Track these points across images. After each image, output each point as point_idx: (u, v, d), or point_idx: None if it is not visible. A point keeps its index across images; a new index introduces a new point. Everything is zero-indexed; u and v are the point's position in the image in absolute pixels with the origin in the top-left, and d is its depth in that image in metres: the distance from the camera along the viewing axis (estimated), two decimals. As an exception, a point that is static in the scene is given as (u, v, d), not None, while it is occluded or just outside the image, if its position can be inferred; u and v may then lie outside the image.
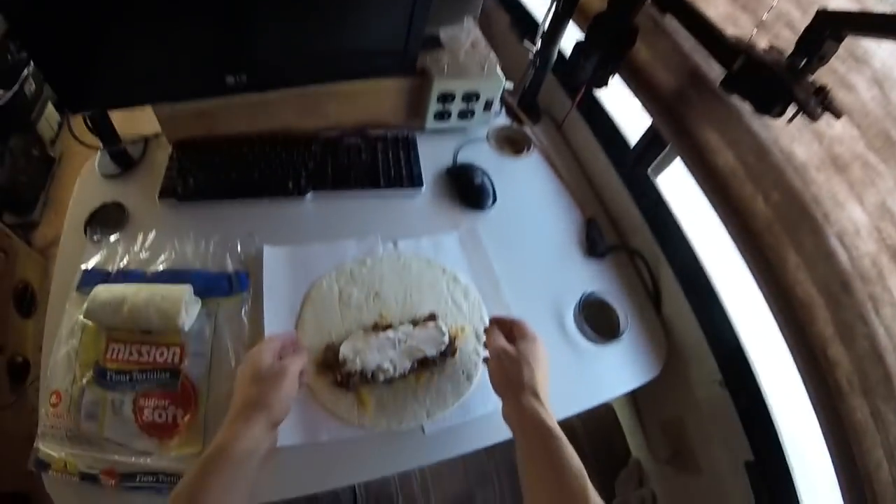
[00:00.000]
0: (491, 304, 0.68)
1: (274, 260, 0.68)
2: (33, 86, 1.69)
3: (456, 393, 0.60)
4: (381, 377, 0.58)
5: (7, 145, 1.61)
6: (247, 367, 0.51)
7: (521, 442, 0.49)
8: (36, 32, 0.55)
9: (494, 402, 0.59)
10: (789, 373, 0.55)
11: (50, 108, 1.75)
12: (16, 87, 1.60)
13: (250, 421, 0.47)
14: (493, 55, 0.82)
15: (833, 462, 0.51)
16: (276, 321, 0.64)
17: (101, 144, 0.78)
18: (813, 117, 0.52)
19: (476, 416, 0.60)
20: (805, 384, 0.53)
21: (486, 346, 0.58)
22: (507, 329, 0.58)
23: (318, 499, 0.70)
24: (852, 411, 0.49)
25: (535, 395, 0.50)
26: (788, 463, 0.59)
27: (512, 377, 0.52)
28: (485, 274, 0.71)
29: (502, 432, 0.59)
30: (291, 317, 0.65)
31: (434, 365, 0.61)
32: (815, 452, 0.54)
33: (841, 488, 0.50)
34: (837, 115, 0.51)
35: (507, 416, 0.51)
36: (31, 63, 1.65)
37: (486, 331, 0.59)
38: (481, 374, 0.62)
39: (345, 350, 0.59)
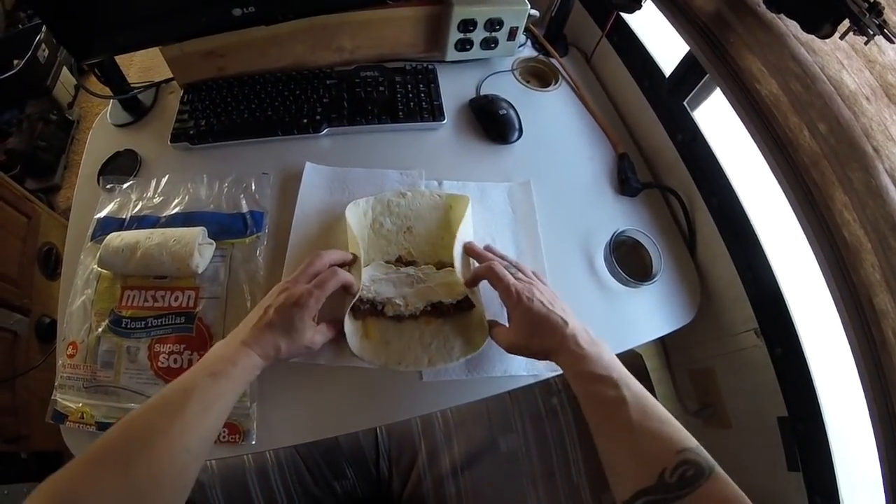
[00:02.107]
0: (528, 264, 0.63)
1: (314, 176, 0.68)
2: (46, 51, 1.70)
3: (464, 348, 0.56)
4: (391, 311, 0.56)
5: (24, 112, 1.63)
6: (287, 320, 0.50)
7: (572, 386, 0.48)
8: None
9: (503, 369, 0.57)
10: (831, 323, 0.52)
11: (65, 72, 1.75)
12: (28, 55, 1.61)
13: (264, 362, 0.49)
14: (517, -21, 0.77)
15: (872, 421, 0.47)
16: (302, 232, 0.64)
17: (112, 94, 0.77)
18: (867, 34, 0.47)
19: (480, 377, 0.57)
20: (847, 335, 0.50)
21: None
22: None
23: (339, 444, 0.70)
24: (897, 367, 0.45)
25: (561, 350, 0.48)
26: (824, 420, 0.56)
27: (538, 353, 0.51)
28: (527, 233, 0.66)
29: (506, 383, 0.58)
30: (320, 234, 0.64)
31: (448, 314, 0.57)
32: (853, 410, 0.51)
33: (878, 448, 0.47)
34: (893, 37, 0.46)
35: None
36: (43, 28, 1.65)
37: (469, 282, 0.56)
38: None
39: (363, 275, 0.57)
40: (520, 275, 0.55)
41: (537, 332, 0.49)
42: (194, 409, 0.42)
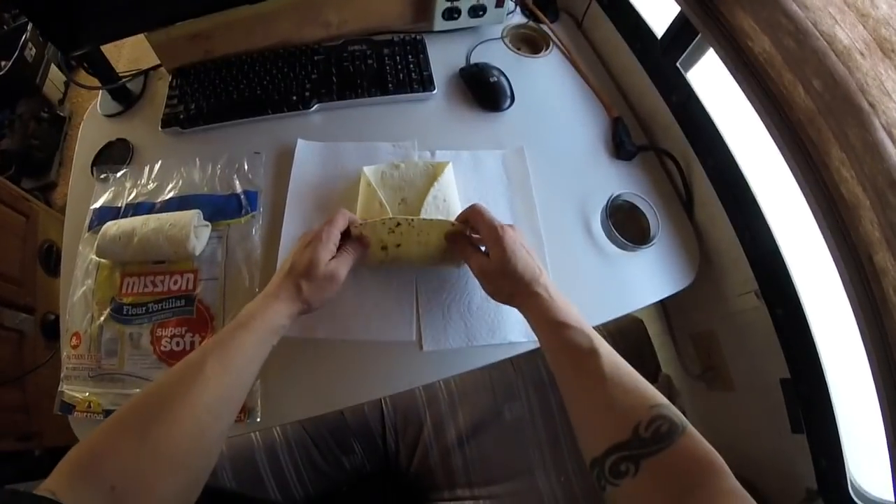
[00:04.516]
0: (524, 230, 0.63)
1: (306, 153, 0.68)
2: (33, 50, 1.68)
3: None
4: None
5: (16, 112, 1.62)
6: (304, 259, 0.50)
7: (538, 337, 0.48)
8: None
9: (503, 336, 0.58)
10: (831, 282, 0.51)
11: (54, 69, 1.74)
12: (16, 54, 1.59)
13: (290, 308, 0.48)
14: (501, -57, 0.76)
15: (874, 380, 0.47)
16: (297, 208, 0.64)
17: (100, 84, 0.76)
18: None
19: (479, 344, 0.57)
20: (848, 294, 0.49)
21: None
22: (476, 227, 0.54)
23: (346, 419, 0.70)
24: (899, 325, 0.44)
25: (533, 294, 0.48)
26: (826, 382, 0.55)
27: (506, 290, 0.50)
28: (522, 199, 0.66)
29: (507, 350, 0.58)
30: (315, 209, 0.64)
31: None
32: (856, 370, 0.50)
33: (882, 408, 0.46)
34: None
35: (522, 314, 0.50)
36: (29, 27, 1.63)
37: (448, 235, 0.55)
38: (489, 306, 0.59)
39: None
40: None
41: (512, 273, 0.49)
42: (213, 366, 0.42)
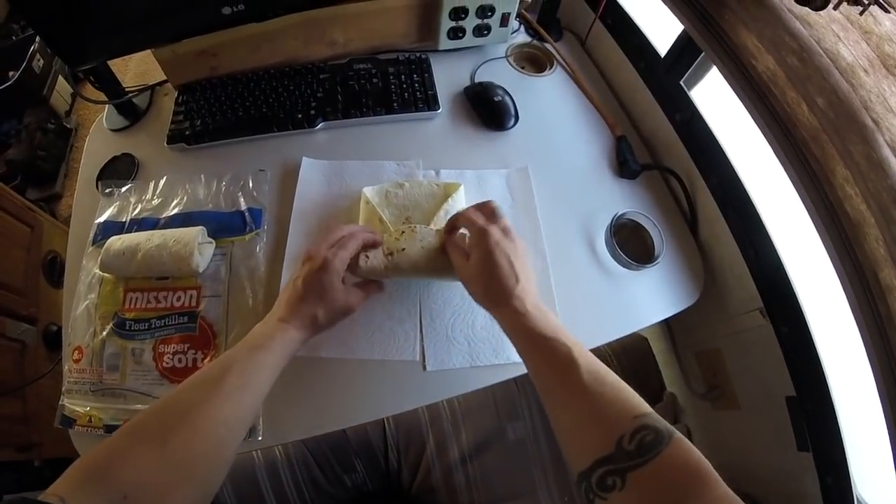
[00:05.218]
0: (529, 249, 0.64)
1: (311, 171, 0.69)
2: (41, 61, 1.70)
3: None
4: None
5: (22, 122, 1.64)
6: (321, 289, 0.49)
7: (515, 348, 0.47)
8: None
9: (505, 356, 0.57)
10: (836, 299, 0.51)
11: (61, 81, 1.76)
12: (24, 65, 1.61)
13: (304, 335, 0.49)
14: (506, -36, 0.76)
15: (881, 398, 0.46)
16: (301, 226, 0.64)
17: (107, 99, 0.77)
18: (862, 4, 0.47)
19: (482, 364, 0.57)
20: (853, 311, 0.49)
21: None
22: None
23: (347, 437, 0.70)
24: (905, 343, 0.44)
25: (506, 305, 0.46)
26: (832, 399, 0.55)
27: (479, 296, 0.50)
28: (527, 218, 0.66)
29: (510, 370, 0.58)
30: (319, 227, 0.64)
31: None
32: (862, 388, 0.50)
33: (888, 425, 0.46)
34: (887, 6, 0.46)
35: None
36: (37, 39, 1.65)
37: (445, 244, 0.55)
38: (493, 326, 0.59)
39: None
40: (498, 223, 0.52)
41: (484, 277, 0.48)
42: (232, 383, 0.42)
